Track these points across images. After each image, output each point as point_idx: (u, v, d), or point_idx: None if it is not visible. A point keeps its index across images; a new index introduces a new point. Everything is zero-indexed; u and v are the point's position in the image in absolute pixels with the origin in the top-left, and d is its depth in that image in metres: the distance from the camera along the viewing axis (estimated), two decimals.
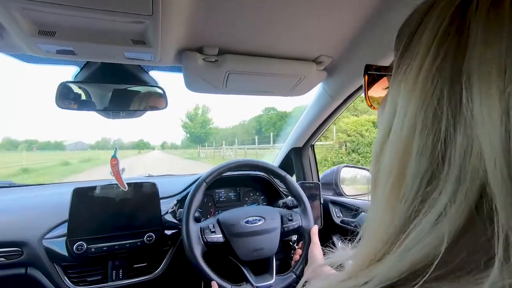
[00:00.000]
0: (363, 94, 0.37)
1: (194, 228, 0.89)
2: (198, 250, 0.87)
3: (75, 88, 0.86)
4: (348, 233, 1.14)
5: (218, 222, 0.94)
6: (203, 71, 0.80)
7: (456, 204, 0.20)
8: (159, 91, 0.92)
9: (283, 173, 1.05)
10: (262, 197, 1.38)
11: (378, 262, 0.24)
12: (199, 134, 63.89)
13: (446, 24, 0.22)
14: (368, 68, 0.35)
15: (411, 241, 0.22)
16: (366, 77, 0.35)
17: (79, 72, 0.85)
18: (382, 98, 0.35)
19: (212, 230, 0.91)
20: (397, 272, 0.21)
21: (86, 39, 0.60)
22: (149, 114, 0.99)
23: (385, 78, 0.34)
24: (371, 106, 0.36)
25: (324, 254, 0.82)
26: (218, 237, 0.90)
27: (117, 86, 0.88)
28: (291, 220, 0.99)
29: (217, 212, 1.23)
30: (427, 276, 0.20)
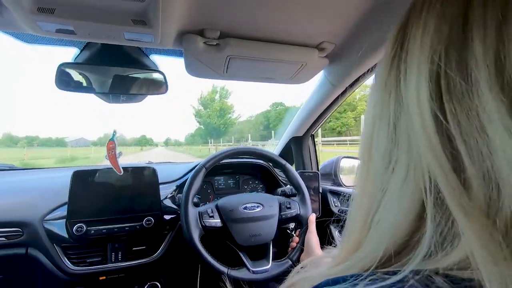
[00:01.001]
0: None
1: (192, 212, 0.90)
2: (196, 234, 0.88)
3: (75, 70, 0.85)
4: (345, 223, 1.15)
5: (217, 207, 0.95)
6: (204, 55, 0.80)
7: (408, 181, 0.22)
8: (160, 75, 0.91)
9: (283, 161, 1.05)
10: (261, 186, 1.38)
11: (359, 248, 0.26)
12: (216, 125, 50.91)
13: (395, 33, 0.26)
14: None
15: (379, 225, 0.24)
16: None
17: (79, 54, 0.84)
18: None
19: (211, 214, 0.92)
20: (373, 258, 0.23)
21: (86, 18, 0.59)
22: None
23: None
24: None
25: (322, 245, 0.83)
26: (216, 221, 0.91)
27: (117, 69, 0.87)
28: (289, 208, 0.99)
29: (216, 199, 1.24)
30: (395, 261, 0.22)
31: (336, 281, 0.22)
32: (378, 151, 0.25)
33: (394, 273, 0.20)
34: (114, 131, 0.92)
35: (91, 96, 0.91)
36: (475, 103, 0.18)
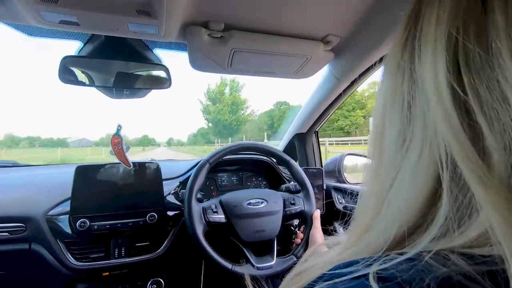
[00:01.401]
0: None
1: (196, 207, 0.90)
2: (199, 229, 0.87)
3: (79, 64, 0.85)
4: (350, 219, 1.14)
5: (221, 202, 0.94)
6: (208, 48, 0.79)
7: (423, 158, 0.22)
8: (163, 70, 0.91)
9: (287, 157, 1.04)
10: (264, 182, 1.37)
11: (367, 232, 0.25)
12: (227, 122, 44.69)
13: (407, 14, 0.26)
14: None
15: (391, 206, 0.24)
16: None
17: (82, 47, 0.83)
18: None
19: (215, 210, 0.91)
20: (384, 240, 0.23)
21: (90, 8, 0.58)
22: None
23: None
24: None
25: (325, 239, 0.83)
26: (220, 217, 0.90)
27: (121, 63, 0.86)
28: (293, 204, 0.98)
29: (219, 195, 1.24)
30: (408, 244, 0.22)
31: (348, 264, 0.22)
32: (391, 133, 0.25)
33: (407, 253, 0.20)
34: (119, 126, 0.91)
35: (94, 96, 0.92)
36: (496, 73, 0.18)
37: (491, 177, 0.18)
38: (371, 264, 0.20)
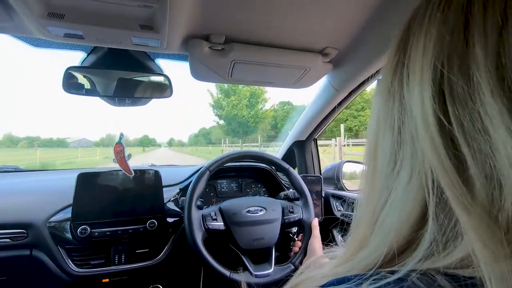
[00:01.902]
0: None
1: (196, 214, 0.91)
2: (199, 236, 0.88)
3: (82, 74, 0.87)
4: (349, 227, 1.15)
5: (220, 210, 0.95)
6: (209, 60, 0.81)
7: (412, 182, 0.23)
8: (165, 79, 0.92)
9: (286, 165, 1.06)
10: (263, 189, 1.39)
11: (363, 248, 0.26)
12: (244, 119, 37.24)
13: (397, 40, 0.27)
14: None
15: (384, 225, 0.25)
16: None
17: (85, 58, 0.85)
18: None
19: (214, 217, 0.92)
20: (376, 257, 0.24)
21: (94, 23, 0.60)
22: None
23: None
24: None
25: (324, 248, 0.83)
26: (219, 224, 0.91)
27: (124, 73, 0.89)
28: (292, 212, 0.99)
29: (218, 202, 1.25)
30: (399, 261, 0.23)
31: (341, 281, 0.23)
32: (383, 154, 0.26)
33: (397, 272, 0.21)
34: (121, 134, 0.93)
35: (94, 97, 0.92)
36: (477, 106, 0.19)
37: (474, 204, 0.19)
38: (362, 283, 0.21)
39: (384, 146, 0.26)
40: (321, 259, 0.61)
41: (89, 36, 0.65)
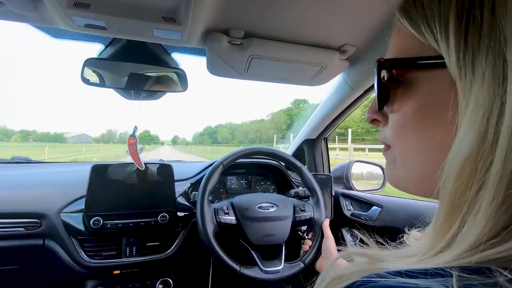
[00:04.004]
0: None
1: (208, 208, 0.91)
2: (210, 229, 0.88)
3: (99, 66, 0.87)
4: (358, 226, 1.15)
5: (232, 205, 0.95)
6: (227, 54, 0.81)
7: None
8: (180, 73, 0.93)
9: (299, 164, 1.06)
10: (272, 186, 1.39)
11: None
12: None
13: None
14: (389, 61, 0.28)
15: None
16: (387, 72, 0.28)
17: (103, 50, 0.86)
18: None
19: (226, 211, 0.92)
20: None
21: (118, 14, 0.60)
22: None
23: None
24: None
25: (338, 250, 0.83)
26: (231, 218, 0.92)
27: (140, 66, 0.89)
28: (303, 210, 0.99)
29: (228, 198, 1.25)
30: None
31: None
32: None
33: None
34: (135, 127, 0.93)
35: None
36: None
37: None
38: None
39: None
40: (340, 261, 0.59)
41: (112, 27, 0.65)
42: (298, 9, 0.68)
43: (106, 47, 0.85)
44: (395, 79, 0.28)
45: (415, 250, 0.26)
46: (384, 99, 0.29)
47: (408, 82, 0.27)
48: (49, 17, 0.64)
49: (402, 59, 0.27)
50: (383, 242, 0.34)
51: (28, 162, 1.34)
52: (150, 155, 30.16)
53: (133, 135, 0.94)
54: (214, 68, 0.89)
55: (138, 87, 0.90)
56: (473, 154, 0.20)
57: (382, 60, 0.28)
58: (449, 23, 0.22)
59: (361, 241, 0.37)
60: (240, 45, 0.78)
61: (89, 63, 0.83)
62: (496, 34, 0.20)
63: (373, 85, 0.94)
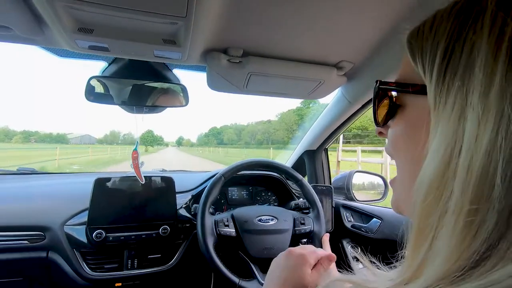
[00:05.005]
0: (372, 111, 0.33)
1: (209, 219, 0.92)
2: (210, 241, 0.89)
3: (103, 83, 0.90)
4: (358, 238, 1.15)
5: (232, 217, 0.96)
6: (226, 71, 0.83)
7: None
8: (181, 88, 0.95)
9: (299, 176, 1.07)
10: (273, 198, 1.39)
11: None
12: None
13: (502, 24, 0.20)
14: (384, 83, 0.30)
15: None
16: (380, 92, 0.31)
17: (107, 67, 0.88)
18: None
19: (226, 223, 0.93)
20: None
21: (120, 37, 0.63)
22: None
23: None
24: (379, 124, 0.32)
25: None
26: (231, 231, 0.93)
27: (142, 82, 0.91)
28: (303, 223, 1.00)
29: (229, 209, 1.26)
30: None
31: None
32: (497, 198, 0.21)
33: None
34: (137, 142, 0.95)
35: None
36: None
37: None
38: None
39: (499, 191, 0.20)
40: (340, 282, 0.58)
41: (114, 49, 0.67)
42: (294, 29, 0.69)
43: (109, 64, 0.88)
44: (391, 100, 0.30)
45: (396, 274, 0.28)
46: (379, 117, 0.32)
47: (401, 104, 0.29)
48: (55, 40, 0.66)
49: (397, 83, 0.29)
50: (376, 262, 0.35)
51: (34, 173, 1.37)
52: (154, 158, 28.26)
53: (135, 149, 0.96)
54: (214, 84, 0.91)
55: (141, 103, 0.92)
56: (437, 180, 0.22)
57: (378, 83, 0.31)
58: (436, 56, 0.24)
59: (357, 258, 0.38)
60: (239, 63, 0.80)
61: (93, 80, 0.86)
62: (469, 76, 0.21)
63: (371, 99, 0.96)
